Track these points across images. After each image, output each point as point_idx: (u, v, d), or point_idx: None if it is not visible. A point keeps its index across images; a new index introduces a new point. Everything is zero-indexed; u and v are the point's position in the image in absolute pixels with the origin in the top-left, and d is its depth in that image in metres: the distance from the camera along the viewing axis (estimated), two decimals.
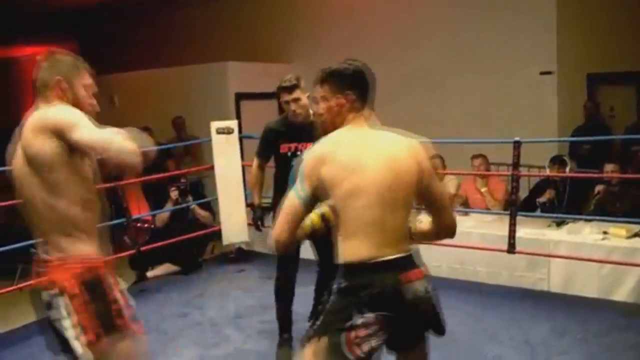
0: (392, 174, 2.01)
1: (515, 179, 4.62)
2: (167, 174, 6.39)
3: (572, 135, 6.55)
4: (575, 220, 4.99)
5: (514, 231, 4.59)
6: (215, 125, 5.71)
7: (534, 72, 6.68)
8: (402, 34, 7.32)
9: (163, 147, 6.97)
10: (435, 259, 5.08)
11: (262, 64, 7.88)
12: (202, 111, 7.00)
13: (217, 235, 5.82)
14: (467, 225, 5.16)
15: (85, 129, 1.97)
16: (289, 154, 3.70)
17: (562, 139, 6.54)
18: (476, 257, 4.89)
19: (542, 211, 5.25)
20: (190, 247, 5.71)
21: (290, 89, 3.64)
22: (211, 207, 6.05)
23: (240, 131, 5.94)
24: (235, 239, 5.79)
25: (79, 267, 2.03)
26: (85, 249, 2.08)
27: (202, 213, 5.92)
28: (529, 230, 4.84)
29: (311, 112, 3.72)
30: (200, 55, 8.11)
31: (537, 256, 4.64)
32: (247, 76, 7.64)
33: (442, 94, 7.08)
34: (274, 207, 3.67)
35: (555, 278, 4.65)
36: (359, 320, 1.93)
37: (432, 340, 3.80)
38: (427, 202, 2.15)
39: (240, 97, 7.49)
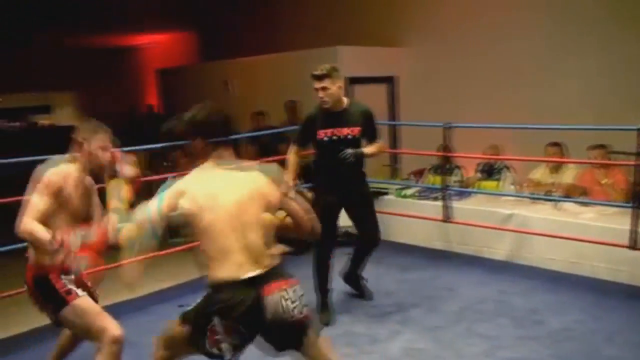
0: (241, 205, 2.39)
1: (639, 170, 4.36)
2: (278, 157, 6.56)
3: None
4: None
5: (637, 226, 4.34)
6: None
7: None
8: (517, 15, 7.02)
9: (275, 131, 7.18)
10: (550, 251, 4.93)
11: (373, 48, 7.86)
12: (314, 96, 7.10)
13: None
14: (586, 217, 4.92)
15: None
16: (326, 139, 4.03)
17: None
18: (595, 251, 4.66)
19: None
20: None
21: (319, 77, 3.93)
22: None
23: None
24: (344, 222, 5.86)
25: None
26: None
27: (308, 196, 6.01)
28: None
29: (345, 100, 4.04)
30: (313, 40, 8.21)
31: None
32: (358, 60, 7.65)
33: (557, 78, 6.74)
34: (314, 190, 3.99)
35: None
36: (216, 326, 2.31)
37: (549, 336, 3.72)
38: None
39: (351, 81, 7.53)
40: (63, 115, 15.69)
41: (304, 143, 4.23)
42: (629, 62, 6.27)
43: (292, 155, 4.22)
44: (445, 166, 5.61)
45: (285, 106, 7.51)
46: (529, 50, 6.89)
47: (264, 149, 7.28)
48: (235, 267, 2.33)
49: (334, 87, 3.93)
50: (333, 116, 4.01)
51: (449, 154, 5.58)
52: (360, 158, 4.13)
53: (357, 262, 4.50)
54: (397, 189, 6.26)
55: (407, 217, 5.81)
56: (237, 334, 2.33)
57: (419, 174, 6.75)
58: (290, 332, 2.39)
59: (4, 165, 3.92)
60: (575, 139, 5.34)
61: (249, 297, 2.29)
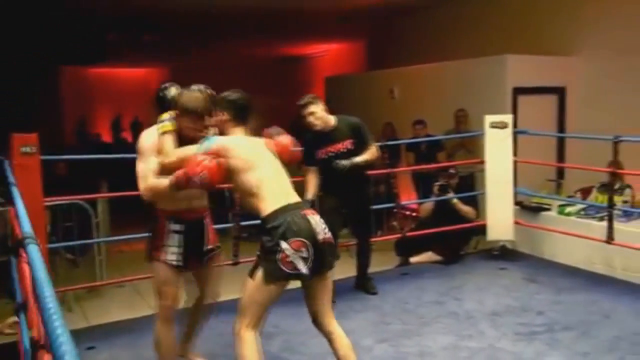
0: (274, 157, 3.05)
1: None
2: (436, 166, 6.59)
3: None
4: None
5: None
6: (489, 119, 5.70)
7: None
8: None
9: (433, 139, 7.20)
10: None
11: (543, 57, 7.55)
12: (478, 105, 6.99)
13: (482, 230, 5.83)
14: None
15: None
16: (325, 157, 4.49)
17: None
18: None
19: None
20: (454, 239, 5.81)
21: (304, 105, 4.43)
22: (476, 202, 6.04)
23: (515, 126, 5.82)
24: (500, 237, 5.74)
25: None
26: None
27: (463, 208, 5.90)
28: None
29: (332, 119, 4.50)
30: (479, 49, 8.09)
31: None
32: (526, 70, 7.42)
33: None
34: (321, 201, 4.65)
35: None
36: (283, 245, 2.68)
37: None
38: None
39: (517, 91, 7.32)
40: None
41: (311, 163, 4.57)
42: None
43: (309, 175, 4.58)
44: (613, 184, 5.26)
45: (455, 115, 7.43)
46: None
47: (421, 156, 7.35)
48: (283, 199, 2.84)
49: (319, 110, 4.43)
50: (326, 136, 4.49)
51: (619, 171, 5.23)
52: (354, 167, 4.47)
53: (360, 263, 4.92)
54: (559, 206, 5.99)
55: (567, 235, 5.54)
56: (303, 247, 2.70)
57: (587, 192, 6.39)
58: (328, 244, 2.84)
59: None
60: None
61: (297, 215, 2.76)
